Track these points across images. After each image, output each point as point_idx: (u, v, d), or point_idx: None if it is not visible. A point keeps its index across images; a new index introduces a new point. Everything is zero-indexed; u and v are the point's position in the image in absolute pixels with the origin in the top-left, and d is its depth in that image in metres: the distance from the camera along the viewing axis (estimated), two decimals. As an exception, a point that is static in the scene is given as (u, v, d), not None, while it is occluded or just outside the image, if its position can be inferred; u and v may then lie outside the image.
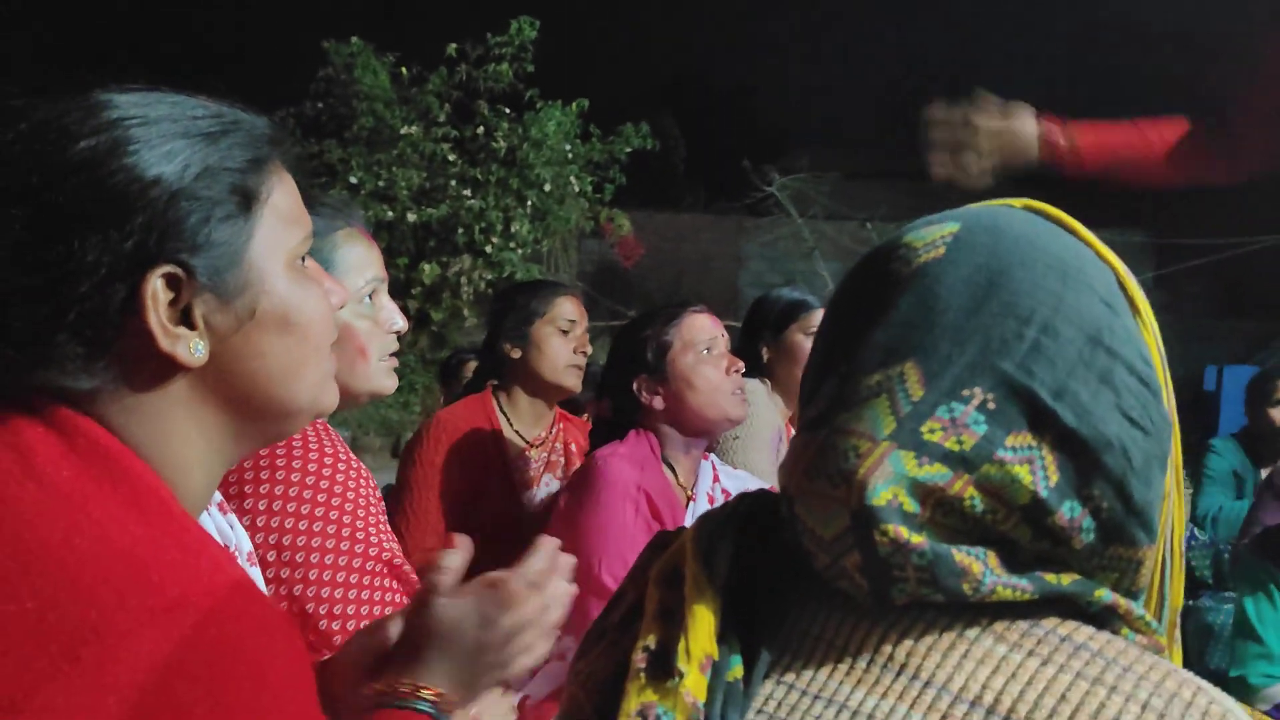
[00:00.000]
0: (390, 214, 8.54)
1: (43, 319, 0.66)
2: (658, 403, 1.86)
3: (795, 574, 0.61)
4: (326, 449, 1.16)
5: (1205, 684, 0.56)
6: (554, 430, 2.46)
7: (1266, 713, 2.10)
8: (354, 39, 8.87)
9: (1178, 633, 0.66)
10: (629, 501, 1.70)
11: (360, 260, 1.27)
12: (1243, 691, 2.41)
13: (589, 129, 9.17)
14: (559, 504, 1.85)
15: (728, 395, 1.86)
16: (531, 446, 2.40)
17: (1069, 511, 0.57)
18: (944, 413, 0.58)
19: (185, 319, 0.69)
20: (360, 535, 1.13)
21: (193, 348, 0.68)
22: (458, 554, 0.89)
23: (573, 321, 2.38)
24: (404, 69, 8.91)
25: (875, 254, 0.66)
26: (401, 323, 1.32)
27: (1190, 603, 2.94)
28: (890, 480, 0.57)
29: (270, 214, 0.73)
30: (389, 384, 1.29)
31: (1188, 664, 2.31)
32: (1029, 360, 0.58)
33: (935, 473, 0.57)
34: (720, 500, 1.88)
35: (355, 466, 1.18)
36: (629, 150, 9.25)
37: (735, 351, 2.35)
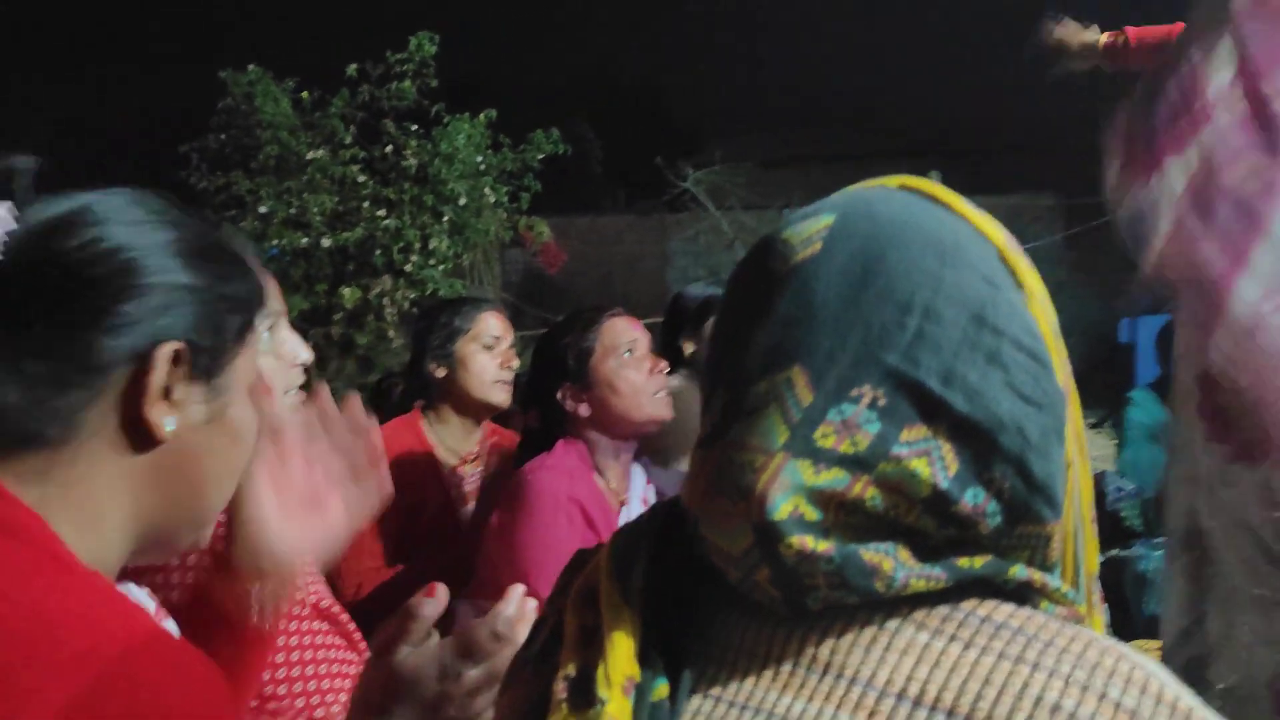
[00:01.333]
0: (305, 241, 8.37)
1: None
2: (583, 410, 1.84)
3: (713, 585, 0.60)
4: (239, 495, 1.12)
5: (1126, 649, 0.56)
6: (486, 445, 2.44)
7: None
8: (251, 67, 8.68)
9: (1097, 598, 0.66)
10: (560, 513, 1.69)
11: None
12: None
13: (499, 139, 9.09)
14: (491, 521, 1.82)
15: (652, 397, 1.86)
16: (464, 463, 2.38)
17: (972, 498, 0.56)
18: (835, 416, 0.57)
19: (166, 396, 0.73)
20: (281, 580, 1.09)
21: (167, 421, 0.73)
22: (432, 602, 0.87)
23: (498, 337, 2.36)
24: (305, 94, 8.74)
25: (754, 254, 0.65)
26: (306, 354, 1.29)
27: (1123, 552, 3.01)
28: (789, 491, 0.56)
29: (251, 344, 0.82)
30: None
31: (1125, 613, 2.35)
32: (913, 349, 0.57)
33: (833, 478, 0.56)
34: (654, 502, 1.87)
35: (270, 510, 1.14)
36: (542, 157, 9.20)
37: (658, 349, 2.34)
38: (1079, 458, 0.63)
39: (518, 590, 0.89)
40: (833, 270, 0.60)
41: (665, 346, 2.56)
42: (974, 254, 0.61)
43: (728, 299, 0.66)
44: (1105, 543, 3.11)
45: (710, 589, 0.61)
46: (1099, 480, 3.27)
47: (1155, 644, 2.25)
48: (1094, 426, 6.69)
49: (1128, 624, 2.77)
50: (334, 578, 2.19)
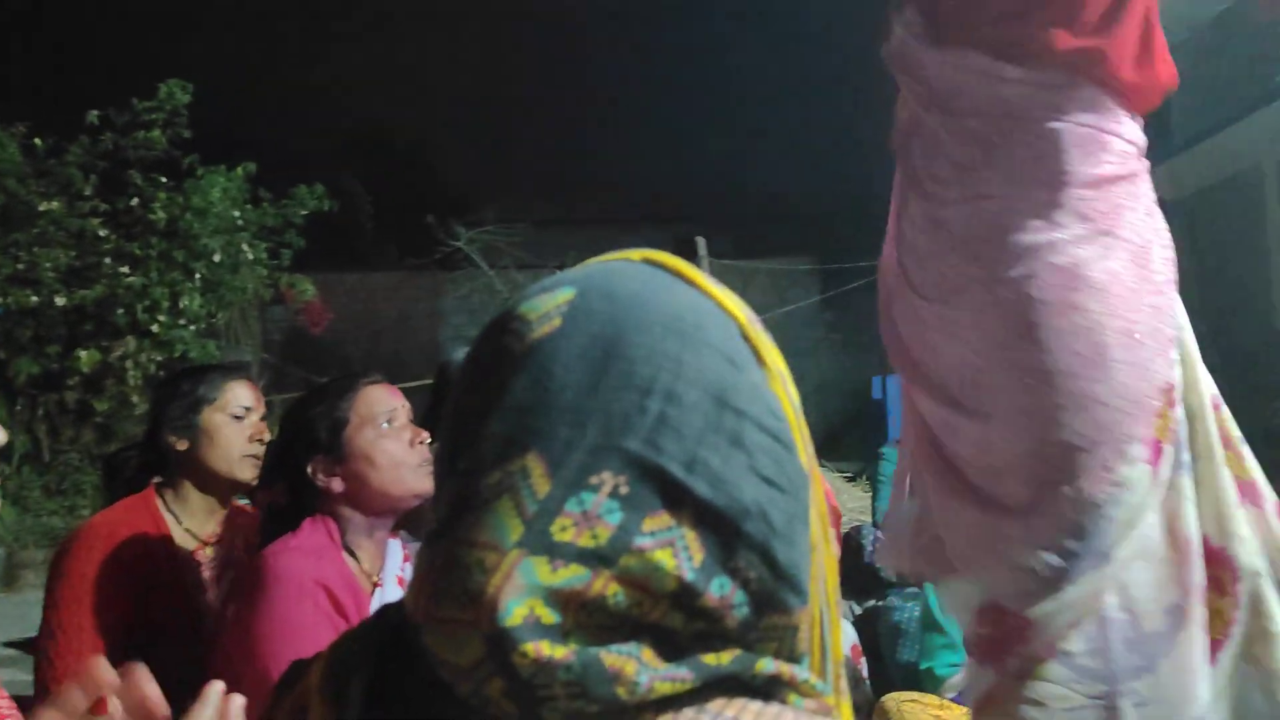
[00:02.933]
0: (35, 299, 7.64)
1: None
2: (336, 485, 1.72)
3: (442, 700, 0.54)
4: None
5: None
6: (230, 526, 2.25)
7: (952, 699, 2.26)
8: (-27, 110, 7.92)
9: (844, 683, 0.64)
10: (305, 599, 1.55)
11: None
12: (931, 682, 2.59)
13: (260, 193, 8.69)
14: (228, 610, 1.66)
15: (414, 469, 1.76)
16: (205, 545, 2.18)
17: (718, 589, 0.54)
18: (574, 506, 0.53)
19: None
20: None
21: None
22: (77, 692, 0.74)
23: (247, 408, 2.20)
24: (38, 140, 8.04)
25: (490, 329, 0.61)
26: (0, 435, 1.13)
27: (879, 602, 3.14)
28: (524, 594, 0.51)
29: None
30: None
31: (879, 661, 2.44)
32: (655, 434, 0.54)
33: (572, 576, 0.52)
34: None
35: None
36: (306, 212, 8.87)
37: (427, 416, 2.25)
38: (823, 541, 0.62)
39: (214, 689, 0.79)
40: (572, 350, 0.56)
41: (434, 414, 2.46)
42: (716, 333, 0.59)
43: (462, 379, 0.61)
44: (865, 595, 3.25)
45: (439, 705, 0.54)
46: (856, 534, 3.42)
47: (910, 695, 2.35)
48: (851, 480, 7.07)
49: (883, 674, 2.89)
50: (46, 680, 1.94)
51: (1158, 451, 1.33)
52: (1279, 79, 6.45)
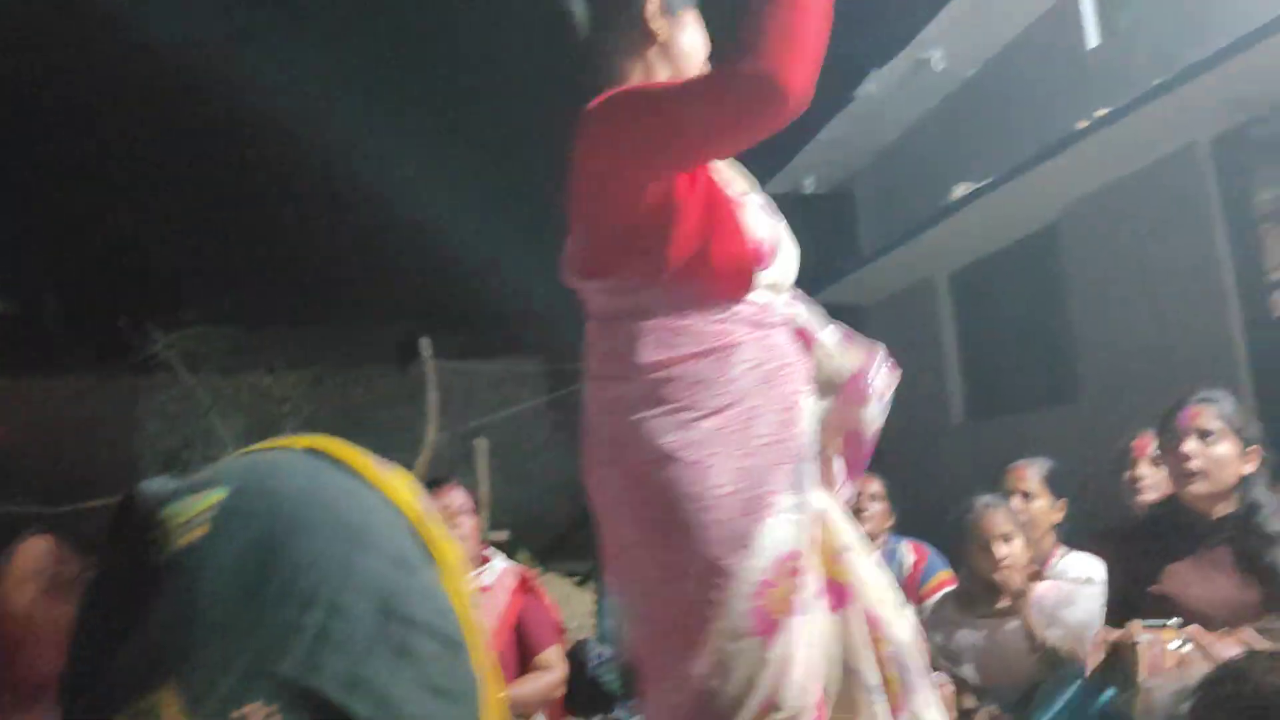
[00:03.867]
0: None
1: None
2: (-18, 657, 1.49)
3: None
4: None
5: None
6: None
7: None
8: None
9: None
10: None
11: None
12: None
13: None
14: None
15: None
16: None
17: None
18: None
19: None
20: None
21: None
22: None
23: None
24: None
25: (122, 538, 0.54)
26: None
27: (605, 717, 3.12)
28: None
29: None
30: None
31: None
32: (315, 653, 0.50)
33: None
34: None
35: None
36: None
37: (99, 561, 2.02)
38: (504, 743, 0.59)
39: None
40: (223, 559, 0.51)
41: (106, 565, 2.21)
42: (384, 532, 0.56)
43: (88, 597, 0.54)
44: (588, 709, 3.21)
45: None
46: (579, 649, 3.39)
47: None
48: (580, 583, 7.07)
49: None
50: None
51: (770, 626, 1.29)
52: (944, 203, 7.32)
